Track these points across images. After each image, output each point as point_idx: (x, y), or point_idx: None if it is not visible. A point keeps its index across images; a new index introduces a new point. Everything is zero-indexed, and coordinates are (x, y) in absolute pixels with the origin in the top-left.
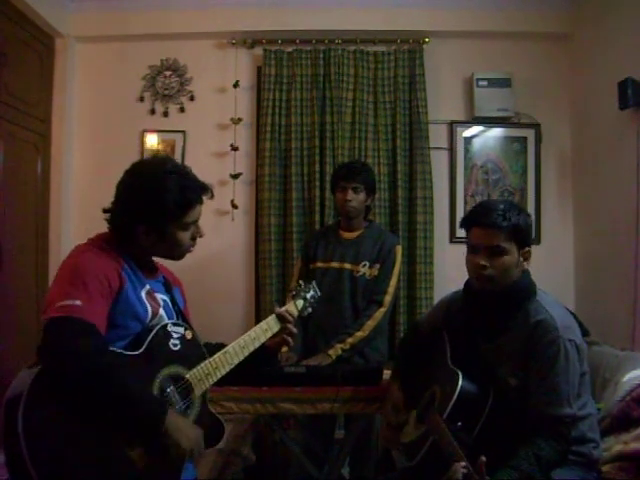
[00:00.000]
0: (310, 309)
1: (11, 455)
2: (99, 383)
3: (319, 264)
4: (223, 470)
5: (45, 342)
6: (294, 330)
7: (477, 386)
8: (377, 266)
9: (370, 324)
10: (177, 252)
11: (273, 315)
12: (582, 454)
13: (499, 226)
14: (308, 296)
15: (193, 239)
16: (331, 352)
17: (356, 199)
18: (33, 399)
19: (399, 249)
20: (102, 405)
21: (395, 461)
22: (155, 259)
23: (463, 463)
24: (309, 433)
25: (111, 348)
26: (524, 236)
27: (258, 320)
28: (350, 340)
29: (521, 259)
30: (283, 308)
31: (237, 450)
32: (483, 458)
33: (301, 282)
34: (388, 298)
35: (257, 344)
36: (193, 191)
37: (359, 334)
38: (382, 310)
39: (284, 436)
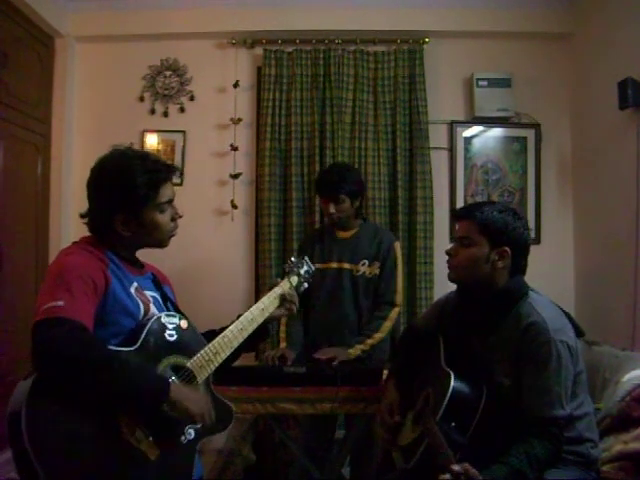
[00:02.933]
0: (306, 284)
1: (24, 471)
2: (93, 371)
3: (317, 265)
4: (223, 470)
5: (33, 346)
6: (294, 309)
7: (470, 386)
8: (377, 264)
9: (388, 325)
10: (160, 237)
11: (269, 295)
12: (580, 454)
13: (470, 218)
14: (302, 271)
15: (173, 220)
16: (351, 351)
17: (339, 209)
18: (33, 410)
19: (397, 245)
20: (103, 392)
21: (395, 462)
22: (143, 259)
23: (447, 476)
24: (310, 433)
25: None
26: (498, 233)
27: None
28: (370, 341)
29: (495, 257)
30: (277, 287)
31: (237, 450)
32: (467, 465)
33: (293, 258)
34: (399, 297)
35: (255, 325)
36: (159, 170)
37: (378, 335)
38: (396, 309)
39: (284, 436)
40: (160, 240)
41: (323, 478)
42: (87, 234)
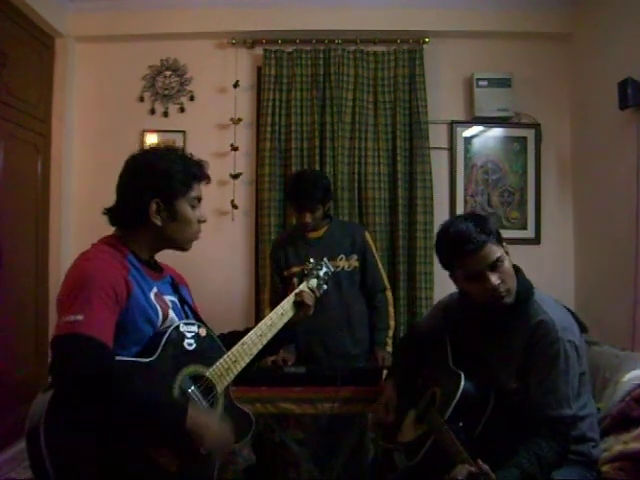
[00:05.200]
0: (325, 286)
1: None
2: (111, 397)
3: (295, 269)
4: (223, 470)
5: (52, 361)
6: (310, 312)
7: (478, 387)
8: (354, 257)
9: (391, 310)
10: (188, 233)
11: (288, 298)
12: (582, 453)
13: (487, 242)
14: (321, 274)
15: (199, 222)
16: (388, 348)
17: (314, 217)
18: (52, 425)
19: (368, 235)
20: (119, 417)
21: (395, 461)
22: (161, 260)
23: (467, 465)
24: (315, 436)
25: (125, 358)
26: (500, 236)
27: (258, 320)
28: (390, 332)
29: (509, 257)
30: (297, 290)
31: (237, 450)
32: (480, 463)
33: (312, 260)
34: (386, 281)
35: (274, 331)
36: (194, 165)
37: (392, 323)
38: (388, 293)
39: (284, 436)
40: (186, 238)
41: (323, 478)
42: (86, 233)
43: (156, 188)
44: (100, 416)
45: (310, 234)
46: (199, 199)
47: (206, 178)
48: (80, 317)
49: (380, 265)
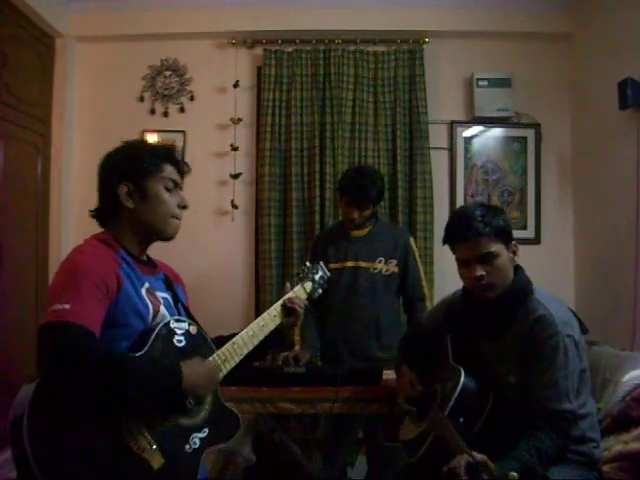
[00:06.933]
0: (320, 290)
1: (24, 475)
2: (98, 376)
3: (332, 265)
4: (223, 470)
5: (37, 351)
6: (301, 315)
7: (478, 383)
8: (393, 262)
9: None
10: (162, 212)
11: (281, 300)
12: (582, 453)
13: (483, 233)
14: (317, 277)
15: (179, 207)
16: None
17: (362, 215)
18: (35, 416)
19: (412, 240)
20: (111, 396)
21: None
22: (160, 259)
23: (465, 456)
24: (331, 434)
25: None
26: (508, 233)
27: None
28: None
29: (511, 255)
30: (290, 293)
31: (237, 450)
32: (475, 454)
33: (307, 263)
34: (425, 290)
35: (266, 331)
36: (163, 147)
37: None
38: (426, 303)
39: (284, 436)
40: (161, 218)
41: (325, 477)
42: (86, 233)
43: (124, 172)
44: (85, 404)
45: (353, 232)
46: (175, 182)
47: (177, 160)
48: (67, 306)
49: (422, 274)
